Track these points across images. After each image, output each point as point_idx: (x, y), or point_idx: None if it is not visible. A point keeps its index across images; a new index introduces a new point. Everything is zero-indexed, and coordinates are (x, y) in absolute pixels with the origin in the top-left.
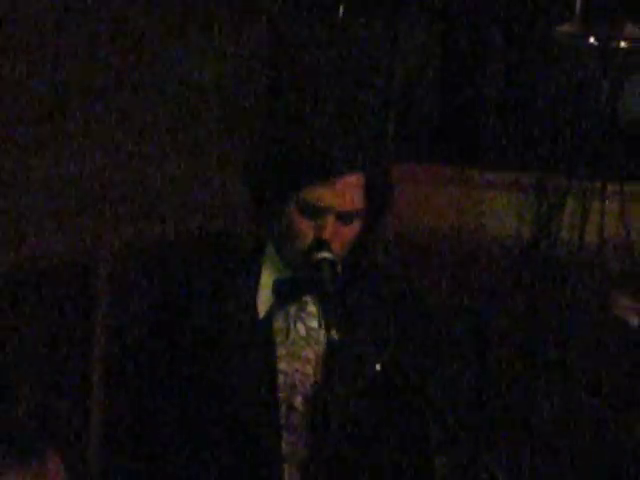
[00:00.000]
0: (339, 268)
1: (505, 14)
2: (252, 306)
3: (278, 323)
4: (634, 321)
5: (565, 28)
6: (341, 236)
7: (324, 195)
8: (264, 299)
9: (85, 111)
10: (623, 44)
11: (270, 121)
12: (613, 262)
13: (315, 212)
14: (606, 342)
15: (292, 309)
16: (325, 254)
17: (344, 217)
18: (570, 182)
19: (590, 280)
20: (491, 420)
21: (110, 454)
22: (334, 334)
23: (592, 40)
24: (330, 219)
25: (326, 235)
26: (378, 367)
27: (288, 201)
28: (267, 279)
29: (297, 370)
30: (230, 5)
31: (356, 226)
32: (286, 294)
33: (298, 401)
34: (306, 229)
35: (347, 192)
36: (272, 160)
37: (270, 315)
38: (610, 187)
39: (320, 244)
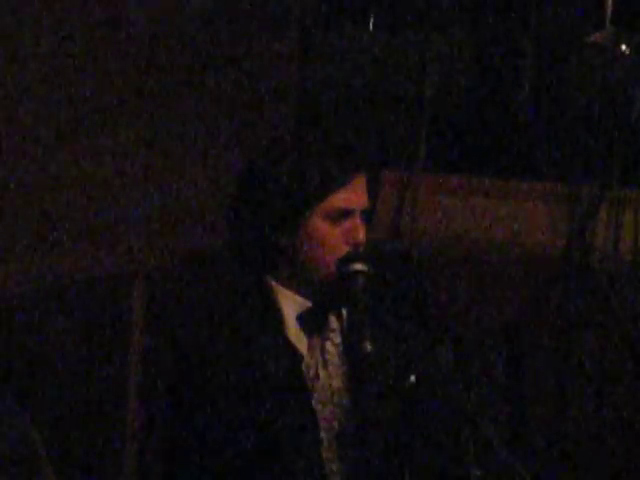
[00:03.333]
0: (371, 280)
1: (537, 23)
2: (286, 344)
3: (309, 347)
4: None
5: (597, 37)
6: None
7: (351, 197)
8: (294, 333)
9: (116, 126)
10: None
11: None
12: None
13: (344, 215)
14: None
15: (321, 331)
16: (359, 266)
17: (365, 216)
18: (604, 191)
19: (625, 290)
20: (524, 433)
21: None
22: (367, 346)
23: (624, 48)
24: (358, 220)
25: (362, 237)
26: (413, 379)
27: (306, 215)
28: (289, 312)
29: (329, 385)
30: (262, 17)
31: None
32: (312, 324)
33: (328, 415)
34: (336, 237)
35: (364, 191)
36: (292, 173)
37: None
38: None
39: (353, 256)
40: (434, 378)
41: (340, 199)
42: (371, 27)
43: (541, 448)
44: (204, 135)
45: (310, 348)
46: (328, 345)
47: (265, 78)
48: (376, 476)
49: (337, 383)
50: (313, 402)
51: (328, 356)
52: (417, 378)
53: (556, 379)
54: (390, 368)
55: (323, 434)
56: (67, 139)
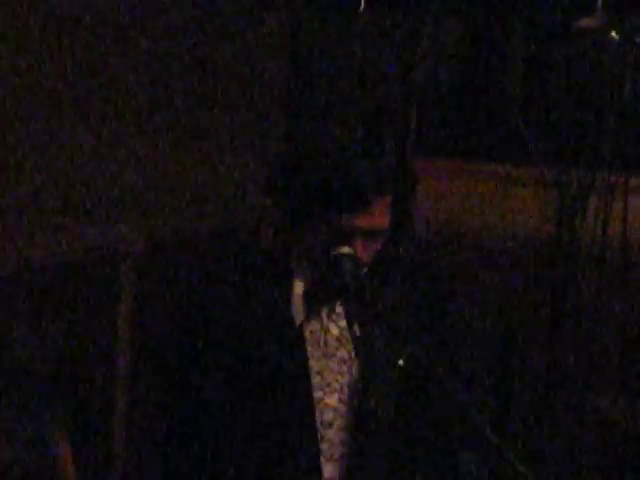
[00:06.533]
0: (359, 263)
1: (527, 8)
2: (286, 312)
3: (312, 326)
4: None
5: (586, 22)
6: (368, 250)
7: (354, 219)
8: (297, 305)
9: (105, 110)
10: None
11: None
12: (636, 257)
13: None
14: (630, 339)
15: (324, 312)
16: (345, 249)
17: (372, 235)
18: (593, 177)
19: (613, 275)
20: (515, 417)
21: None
22: (356, 330)
23: (613, 34)
24: (359, 238)
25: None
26: (401, 362)
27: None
28: (298, 286)
29: (332, 370)
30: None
31: (382, 238)
32: (317, 300)
33: (334, 399)
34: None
35: (376, 214)
36: (300, 192)
37: (305, 321)
38: (633, 182)
39: (339, 239)
40: (423, 362)
41: (342, 220)
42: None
43: (530, 430)
44: (196, 116)
45: (312, 330)
46: (332, 327)
47: (256, 62)
48: (370, 455)
49: (336, 366)
50: (313, 363)
51: (328, 337)
52: (406, 362)
53: (546, 363)
54: (379, 352)
55: (320, 406)
56: (56, 120)
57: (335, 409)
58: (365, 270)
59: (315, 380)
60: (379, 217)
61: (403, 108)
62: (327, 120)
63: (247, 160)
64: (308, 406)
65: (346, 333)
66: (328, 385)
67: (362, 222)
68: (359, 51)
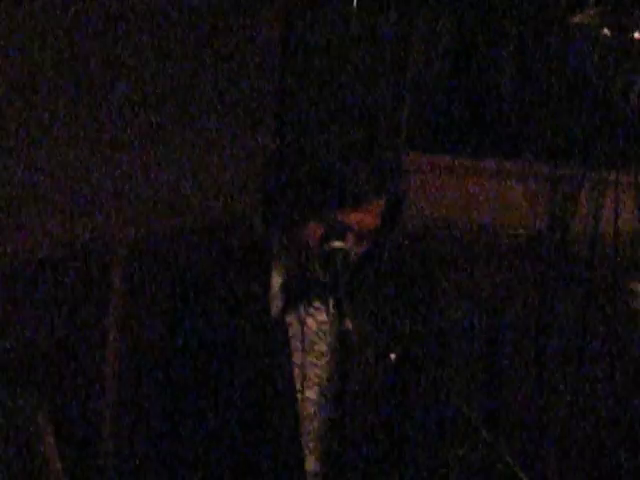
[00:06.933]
0: (352, 258)
1: (520, 3)
2: (264, 305)
3: (290, 319)
4: None
5: (579, 18)
6: (358, 248)
7: (346, 217)
8: (275, 298)
9: (98, 108)
10: (637, 35)
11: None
12: (628, 252)
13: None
14: (621, 333)
15: (302, 305)
16: (338, 244)
17: (363, 234)
18: (585, 172)
19: (605, 270)
20: (504, 412)
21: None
22: (347, 324)
23: (606, 30)
24: (350, 236)
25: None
26: (392, 357)
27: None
28: (277, 279)
29: (312, 363)
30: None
31: (372, 236)
32: (296, 293)
33: (313, 392)
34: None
35: (369, 214)
36: (294, 190)
37: (282, 313)
38: (625, 177)
39: (332, 234)
40: (416, 357)
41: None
42: (354, 5)
43: (519, 425)
44: (188, 111)
45: (290, 322)
46: (310, 321)
47: (247, 63)
48: (352, 448)
49: (315, 359)
50: (293, 356)
51: (307, 331)
52: (398, 356)
53: (535, 358)
54: (371, 346)
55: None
56: (48, 114)
57: (315, 402)
58: (354, 266)
59: (295, 373)
60: (371, 216)
61: (395, 105)
62: (321, 118)
63: (239, 155)
64: (290, 398)
65: (325, 327)
66: (308, 379)
67: (354, 220)
68: (352, 48)
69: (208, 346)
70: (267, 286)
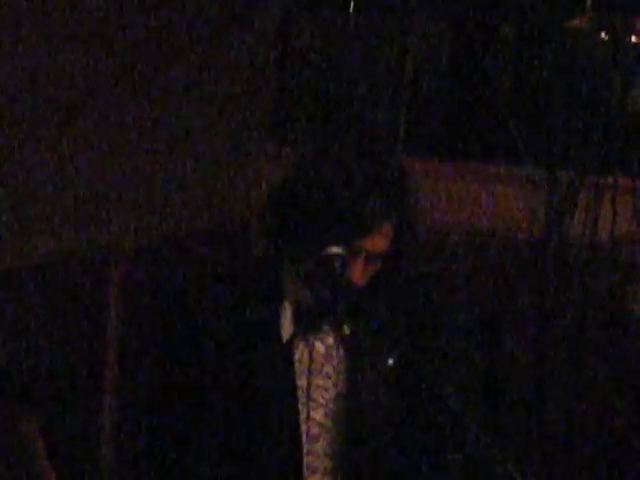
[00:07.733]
0: (348, 263)
1: (517, 8)
2: (275, 330)
3: (298, 343)
4: None
5: (576, 22)
6: (366, 272)
7: (355, 243)
8: (286, 325)
9: (99, 112)
10: (634, 38)
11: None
12: (625, 257)
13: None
14: (618, 336)
15: (311, 330)
16: (335, 249)
17: (372, 258)
18: (582, 177)
19: (602, 274)
20: (503, 415)
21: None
22: (345, 330)
23: (603, 35)
24: (359, 261)
25: (355, 277)
26: (390, 362)
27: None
28: (288, 306)
29: (318, 385)
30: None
31: (381, 260)
32: (306, 320)
33: (319, 414)
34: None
35: (379, 239)
36: (300, 219)
37: (292, 338)
38: (622, 182)
39: (330, 240)
40: (414, 362)
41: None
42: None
43: (518, 432)
44: (187, 117)
45: (298, 347)
46: (318, 344)
47: (245, 61)
48: (356, 468)
49: (321, 381)
50: (298, 379)
51: (314, 354)
52: (395, 362)
53: (533, 361)
54: (368, 351)
55: (304, 420)
56: (47, 120)
57: (321, 424)
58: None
59: (300, 395)
60: (380, 242)
61: (392, 109)
62: (330, 143)
63: (238, 162)
64: (293, 421)
65: (332, 350)
66: (314, 400)
67: (361, 245)
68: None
69: (208, 360)
70: (276, 310)
